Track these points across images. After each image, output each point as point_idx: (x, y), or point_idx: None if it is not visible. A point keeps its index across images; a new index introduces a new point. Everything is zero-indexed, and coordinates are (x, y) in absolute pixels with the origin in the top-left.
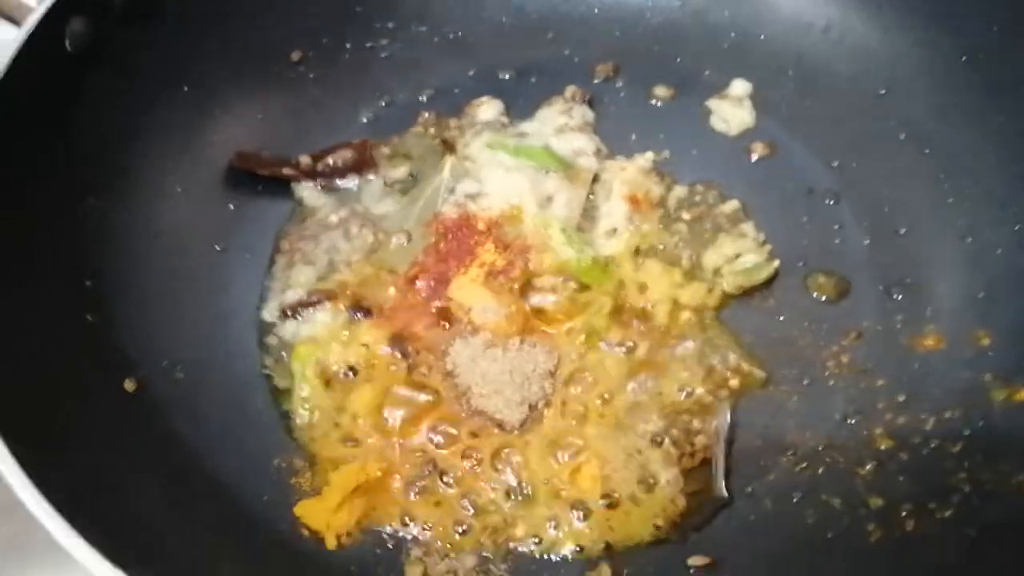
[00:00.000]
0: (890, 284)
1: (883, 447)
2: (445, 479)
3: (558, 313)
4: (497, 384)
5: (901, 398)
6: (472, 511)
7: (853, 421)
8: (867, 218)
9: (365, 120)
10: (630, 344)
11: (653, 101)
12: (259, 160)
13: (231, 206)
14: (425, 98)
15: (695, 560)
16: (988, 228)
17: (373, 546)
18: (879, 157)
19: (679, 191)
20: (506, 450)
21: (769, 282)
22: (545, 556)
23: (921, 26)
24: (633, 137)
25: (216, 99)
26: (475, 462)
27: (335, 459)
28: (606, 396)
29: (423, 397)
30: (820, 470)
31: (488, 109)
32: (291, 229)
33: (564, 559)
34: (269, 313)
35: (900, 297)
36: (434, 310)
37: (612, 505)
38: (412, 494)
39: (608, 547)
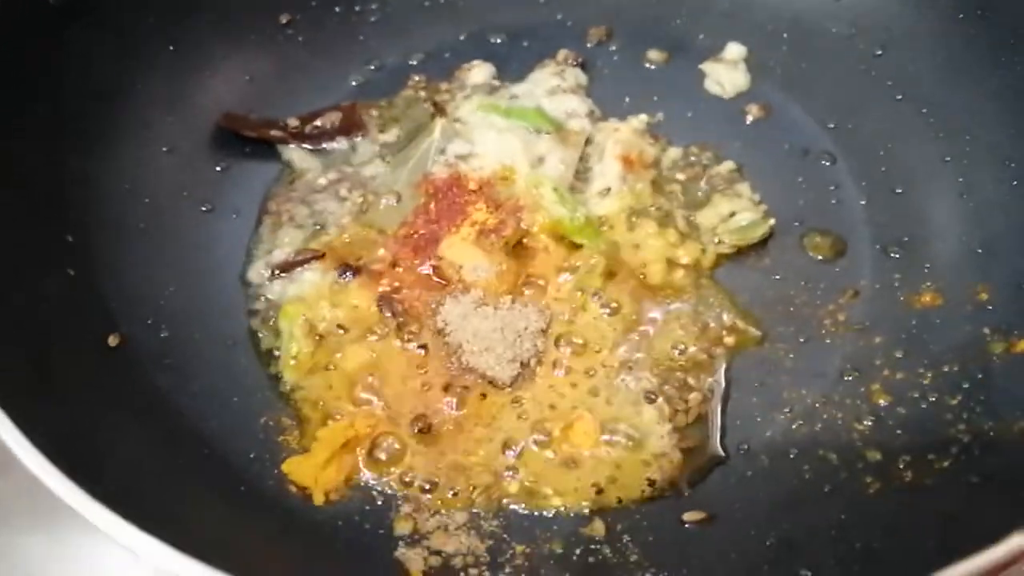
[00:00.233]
0: (887, 243)
1: (881, 402)
2: (435, 434)
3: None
4: (488, 341)
5: (899, 354)
6: (464, 468)
7: (850, 378)
8: (864, 178)
9: (354, 83)
10: (623, 302)
11: (647, 65)
12: (247, 122)
13: (218, 168)
14: (415, 62)
15: (691, 515)
16: (985, 185)
17: (362, 503)
18: (876, 117)
19: (673, 152)
20: (497, 406)
21: (765, 242)
22: (537, 512)
23: None
24: (627, 100)
25: (203, 60)
26: (466, 419)
27: (323, 417)
28: (598, 353)
29: (413, 352)
30: (817, 426)
31: (479, 73)
32: (279, 191)
33: (557, 515)
34: (256, 273)
35: (897, 255)
36: (425, 269)
37: (605, 461)
38: (400, 452)
39: (602, 503)
